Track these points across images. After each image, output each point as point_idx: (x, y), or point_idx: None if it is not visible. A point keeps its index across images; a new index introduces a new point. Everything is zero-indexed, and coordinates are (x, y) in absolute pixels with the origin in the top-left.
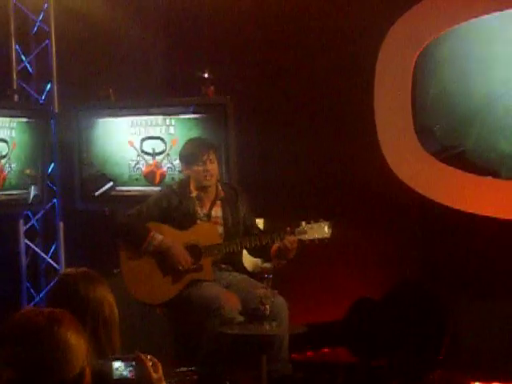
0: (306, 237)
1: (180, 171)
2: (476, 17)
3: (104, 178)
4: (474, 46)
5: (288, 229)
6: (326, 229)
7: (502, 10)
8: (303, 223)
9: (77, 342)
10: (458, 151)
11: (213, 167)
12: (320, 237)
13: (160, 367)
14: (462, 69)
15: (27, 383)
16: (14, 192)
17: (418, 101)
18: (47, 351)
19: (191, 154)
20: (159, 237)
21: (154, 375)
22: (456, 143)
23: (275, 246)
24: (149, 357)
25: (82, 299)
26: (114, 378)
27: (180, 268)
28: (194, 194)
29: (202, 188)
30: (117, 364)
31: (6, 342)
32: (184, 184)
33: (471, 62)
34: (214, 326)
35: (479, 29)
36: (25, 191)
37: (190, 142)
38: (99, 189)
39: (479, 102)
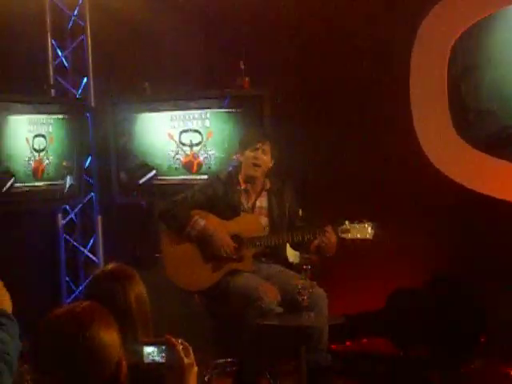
0: (349, 236)
1: (234, 156)
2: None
3: (146, 167)
4: None
5: (330, 226)
6: (370, 230)
7: None
8: (347, 222)
9: (110, 339)
10: None
11: (263, 158)
12: (362, 237)
13: (191, 351)
14: None
15: None
16: (52, 183)
17: (472, 85)
18: (82, 357)
19: (247, 138)
20: (202, 222)
21: (186, 360)
22: None
23: (316, 242)
24: (180, 341)
25: (114, 300)
26: (146, 362)
27: (222, 253)
28: (243, 186)
29: (249, 179)
30: (149, 349)
31: (41, 352)
32: (233, 175)
33: None
34: (253, 317)
35: None
36: (62, 182)
37: (249, 129)
38: (142, 177)
39: None
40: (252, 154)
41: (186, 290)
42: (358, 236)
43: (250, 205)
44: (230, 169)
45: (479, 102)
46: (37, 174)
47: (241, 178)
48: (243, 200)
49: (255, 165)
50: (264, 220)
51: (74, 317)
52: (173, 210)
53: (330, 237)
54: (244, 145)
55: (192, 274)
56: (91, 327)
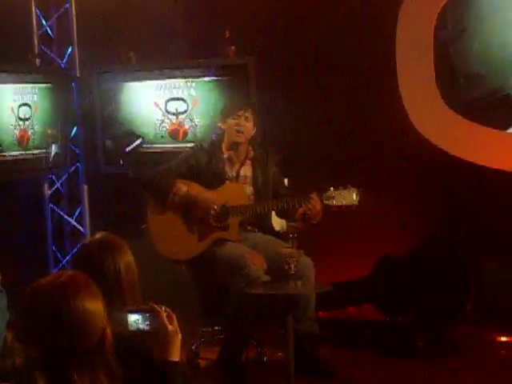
0: (334, 202)
1: (217, 124)
2: None
3: (133, 135)
4: None
5: (315, 193)
6: (354, 196)
7: None
8: (331, 189)
9: (95, 308)
10: (505, 94)
11: (246, 125)
12: (348, 203)
13: (175, 319)
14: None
15: (53, 358)
16: (37, 151)
17: (461, 49)
18: (67, 327)
19: (229, 106)
20: (184, 188)
21: (170, 326)
22: (504, 86)
23: (301, 210)
24: (163, 308)
25: (103, 269)
26: (131, 329)
27: (208, 215)
28: (226, 155)
29: (233, 146)
30: (133, 317)
31: (25, 321)
32: (216, 143)
33: None
34: (240, 285)
35: None
36: (47, 150)
37: (233, 97)
38: (129, 145)
39: None
40: (234, 121)
41: (173, 260)
42: (343, 202)
43: (233, 173)
44: (213, 137)
45: (468, 67)
46: (22, 142)
47: (224, 146)
48: (227, 168)
49: (238, 131)
50: (248, 189)
51: (58, 286)
52: (156, 179)
53: (315, 204)
54: (226, 113)
55: (178, 244)
56: (76, 296)
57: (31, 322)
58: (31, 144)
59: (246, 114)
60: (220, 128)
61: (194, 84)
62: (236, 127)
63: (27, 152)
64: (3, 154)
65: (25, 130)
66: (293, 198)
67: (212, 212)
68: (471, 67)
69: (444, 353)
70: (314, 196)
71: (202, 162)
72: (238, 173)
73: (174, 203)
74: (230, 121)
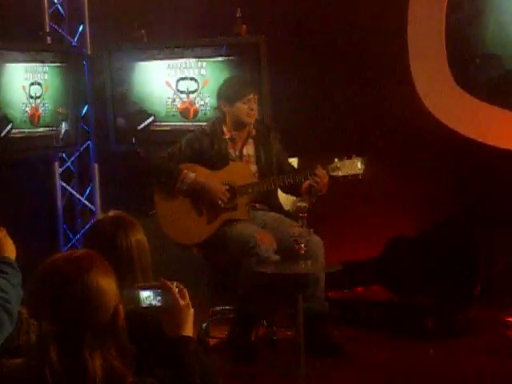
0: (340, 173)
1: (216, 108)
2: None
3: (145, 113)
4: None
5: (319, 165)
6: (359, 164)
7: None
8: (336, 160)
9: (108, 285)
10: None
11: (256, 107)
12: (353, 173)
13: (187, 294)
14: None
15: (66, 333)
16: (48, 129)
17: (478, 30)
18: (81, 301)
19: (237, 90)
20: (192, 175)
21: (182, 302)
22: None
23: (306, 183)
24: (175, 283)
25: (115, 245)
26: (143, 306)
27: (217, 201)
28: (228, 135)
29: (239, 126)
30: (145, 293)
31: (39, 295)
32: (217, 125)
33: None
34: (250, 265)
35: None
36: (57, 128)
37: (234, 79)
38: (141, 123)
39: None
40: (246, 105)
41: (184, 244)
42: (349, 172)
43: (237, 153)
44: (214, 120)
45: (484, 47)
46: (33, 120)
47: (226, 127)
48: (230, 149)
49: (249, 114)
50: (253, 167)
51: (72, 261)
52: (161, 167)
53: (321, 176)
54: (234, 96)
55: (188, 228)
56: (90, 271)
57: (44, 296)
58: (42, 122)
59: (256, 97)
60: (221, 110)
61: (204, 64)
62: (248, 111)
63: (38, 130)
64: (15, 131)
65: (36, 108)
66: (298, 172)
67: (222, 196)
68: (487, 48)
69: (454, 334)
70: (319, 169)
71: (205, 145)
72: (241, 152)
73: (182, 190)
74: (240, 105)
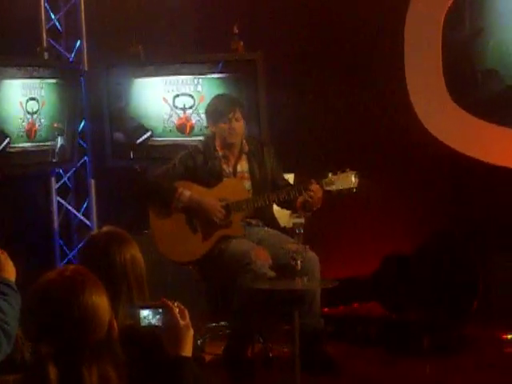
0: (334, 187)
1: (206, 126)
2: None
3: (142, 129)
4: None
5: (313, 180)
6: (353, 178)
7: None
8: (330, 174)
9: (101, 301)
10: None
11: (238, 125)
12: (347, 187)
13: (187, 314)
14: None
15: (63, 353)
16: (44, 143)
17: (479, 46)
18: (77, 322)
19: (217, 110)
20: (187, 193)
21: (182, 322)
22: None
23: (301, 198)
24: (175, 303)
25: (110, 261)
26: (142, 325)
27: (213, 218)
28: (220, 152)
29: (227, 145)
30: (145, 312)
31: (34, 320)
32: (209, 142)
33: None
34: (246, 281)
35: None
36: (53, 142)
37: (216, 99)
38: (139, 138)
39: None
40: (226, 125)
41: (179, 261)
42: (343, 186)
43: (231, 169)
44: (206, 137)
45: (483, 64)
46: (30, 134)
47: (218, 144)
48: (224, 166)
49: (231, 134)
50: (247, 183)
51: (65, 282)
52: (156, 186)
53: (315, 191)
54: (215, 118)
55: (183, 245)
56: (84, 291)
57: (39, 320)
58: (38, 136)
59: (236, 115)
60: (210, 130)
61: (200, 80)
62: (229, 131)
63: (34, 144)
64: (12, 145)
65: (32, 124)
66: (293, 187)
67: (217, 213)
68: (487, 65)
69: (450, 351)
70: (313, 184)
71: (199, 162)
72: (234, 168)
73: (178, 208)
74: (222, 125)
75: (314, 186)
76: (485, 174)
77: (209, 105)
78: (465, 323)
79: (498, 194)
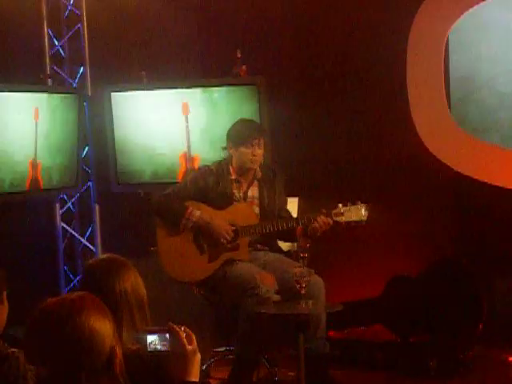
0: (343, 219)
1: (224, 148)
2: None
3: None
4: None
5: (324, 211)
6: (363, 211)
7: None
8: (340, 205)
9: (101, 326)
10: None
11: (259, 153)
12: (357, 219)
13: (194, 338)
14: None
15: (61, 375)
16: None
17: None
18: (73, 342)
19: (242, 134)
20: (197, 212)
21: (189, 347)
22: None
23: (300, 228)
24: (182, 328)
25: (108, 289)
26: (149, 350)
27: (222, 240)
28: (233, 176)
29: (243, 170)
30: (151, 337)
31: (32, 340)
32: (224, 165)
33: None
34: (251, 305)
35: None
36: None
37: (243, 123)
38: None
39: None
40: (249, 150)
41: (184, 282)
42: (353, 218)
43: (241, 194)
44: (221, 160)
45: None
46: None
47: (232, 168)
48: (235, 190)
49: (252, 160)
50: (256, 209)
51: (64, 304)
52: (166, 204)
53: (325, 221)
54: (239, 141)
55: (188, 266)
56: (81, 313)
57: (37, 339)
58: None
59: (260, 142)
60: (228, 151)
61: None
62: (251, 157)
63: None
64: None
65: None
66: (302, 216)
67: (226, 235)
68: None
69: (456, 373)
70: (321, 216)
71: (210, 183)
72: (245, 194)
73: (187, 228)
74: (244, 149)
75: (323, 219)
76: (491, 198)
77: (233, 126)
78: (471, 345)
79: (504, 217)
